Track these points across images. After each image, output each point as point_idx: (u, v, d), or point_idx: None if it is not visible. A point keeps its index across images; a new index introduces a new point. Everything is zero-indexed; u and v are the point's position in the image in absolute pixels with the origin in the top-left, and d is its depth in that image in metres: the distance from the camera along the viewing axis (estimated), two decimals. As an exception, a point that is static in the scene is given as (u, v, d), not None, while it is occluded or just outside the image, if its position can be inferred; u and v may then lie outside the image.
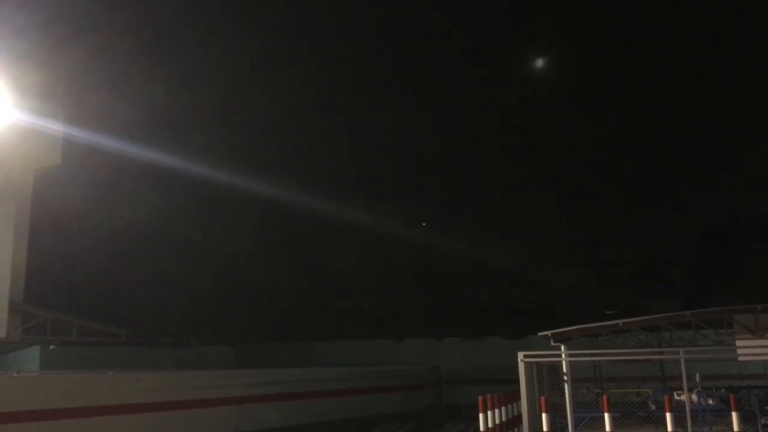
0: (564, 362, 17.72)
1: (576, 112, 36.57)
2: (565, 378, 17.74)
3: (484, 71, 34.43)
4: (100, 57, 20.29)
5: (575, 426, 17.45)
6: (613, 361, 18.72)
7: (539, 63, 35.79)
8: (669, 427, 14.93)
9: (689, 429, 15.51)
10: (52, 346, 22.90)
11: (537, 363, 19.44)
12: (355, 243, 35.76)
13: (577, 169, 39.35)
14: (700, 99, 35.25)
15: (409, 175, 37.45)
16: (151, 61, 22.88)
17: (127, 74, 21.26)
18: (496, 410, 17.98)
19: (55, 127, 18.49)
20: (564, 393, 17.59)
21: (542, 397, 16.87)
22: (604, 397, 15.90)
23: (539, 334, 18.58)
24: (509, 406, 20.02)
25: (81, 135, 19.42)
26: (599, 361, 19.42)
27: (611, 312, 33.26)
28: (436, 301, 36.51)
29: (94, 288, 23.60)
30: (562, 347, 18.26)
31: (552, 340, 18.44)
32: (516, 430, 20.17)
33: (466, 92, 35.11)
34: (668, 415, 15.04)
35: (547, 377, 19.13)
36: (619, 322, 18.32)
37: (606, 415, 15.38)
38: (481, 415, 16.90)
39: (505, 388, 29.90)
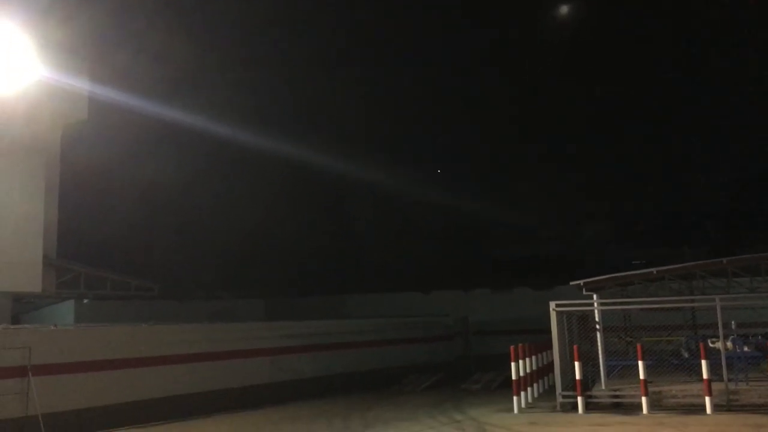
0: (596, 311, 17.61)
1: (607, 62, 35.72)
2: (597, 327, 17.65)
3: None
4: (123, 13, 20.04)
5: (607, 374, 17.44)
6: (644, 309, 18.43)
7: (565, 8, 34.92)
8: (704, 375, 14.81)
9: (725, 376, 15.35)
10: (86, 300, 23.32)
11: (567, 312, 19.29)
12: (380, 201, 35.64)
13: (605, 121, 38.65)
14: (732, 51, 34.28)
15: (432, 133, 36.99)
16: (173, 18, 22.59)
17: (150, 31, 21.01)
18: (527, 359, 18.04)
19: (81, 83, 18.42)
20: (594, 342, 17.58)
21: (575, 346, 16.78)
22: (638, 345, 15.77)
23: (571, 283, 18.41)
24: (540, 355, 20.12)
25: (107, 92, 19.35)
26: (629, 310, 19.15)
27: (638, 263, 32.99)
28: (463, 254, 36.42)
29: (125, 243, 23.84)
30: (594, 296, 18.15)
31: (584, 290, 18.30)
32: (546, 378, 20.29)
33: (493, 54, 34.39)
34: (703, 363, 14.90)
35: (577, 327, 19.05)
36: (653, 270, 18.11)
37: (640, 363, 15.28)
38: (512, 364, 16.93)
39: (534, 339, 29.84)
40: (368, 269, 35.34)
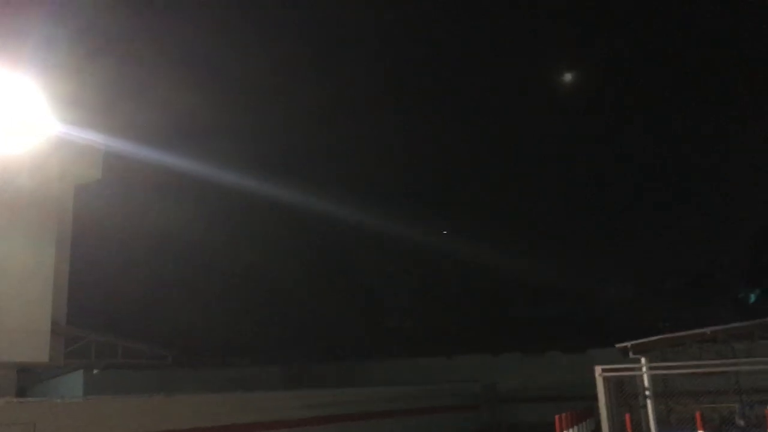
0: (645, 376, 16.32)
1: (623, 120, 35.19)
2: (647, 393, 16.36)
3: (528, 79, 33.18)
4: (134, 65, 19.45)
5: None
6: (683, 374, 17.08)
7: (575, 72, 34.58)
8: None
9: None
10: (96, 371, 21.98)
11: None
12: (396, 259, 34.50)
13: (620, 179, 37.94)
14: (747, 103, 33.73)
15: (450, 188, 36.15)
16: (181, 70, 22.02)
17: (157, 84, 20.37)
18: (571, 429, 16.68)
19: (96, 140, 17.63)
20: (634, 409, 16.28)
21: (626, 416, 15.41)
22: (698, 413, 14.40)
23: (617, 345, 17.23)
24: (582, 424, 18.71)
25: (120, 147, 18.53)
26: (668, 375, 17.83)
27: (665, 324, 31.82)
28: (486, 315, 35.02)
29: (136, 308, 22.67)
30: (642, 360, 16.90)
31: (631, 352, 17.09)
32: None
33: (510, 101, 33.89)
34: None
35: (614, 393, 17.77)
36: (707, 330, 16.85)
37: (701, 434, 13.88)
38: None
39: (569, 406, 28.40)
40: (386, 334, 33.98)
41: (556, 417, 15.67)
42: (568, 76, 34.72)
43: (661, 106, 35.26)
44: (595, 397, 24.21)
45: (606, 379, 19.59)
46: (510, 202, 36.62)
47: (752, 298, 38.72)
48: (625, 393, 17.17)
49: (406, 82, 31.04)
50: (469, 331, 33.14)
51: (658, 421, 17.13)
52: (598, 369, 15.70)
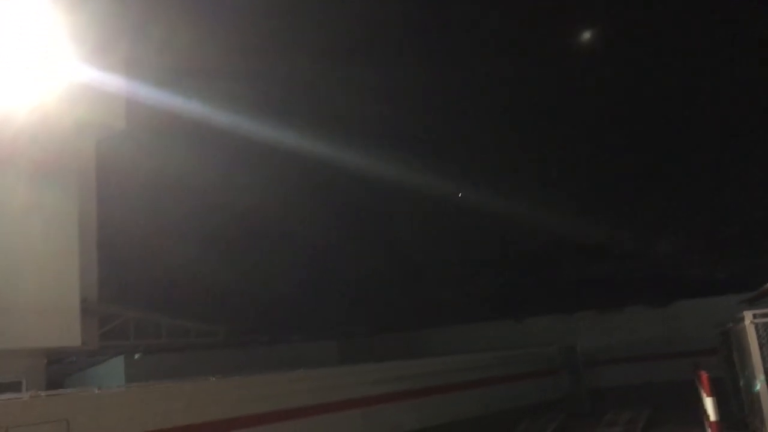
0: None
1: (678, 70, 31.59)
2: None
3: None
4: (159, 4, 16.60)
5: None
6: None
7: None
8: None
9: None
10: (137, 355, 19.56)
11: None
12: (459, 217, 31.70)
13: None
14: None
15: (517, 147, 32.93)
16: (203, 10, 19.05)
17: (186, 24, 17.49)
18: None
19: (117, 83, 14.94)
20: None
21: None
22: None
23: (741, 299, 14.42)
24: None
25: (146, 94, 15.81)
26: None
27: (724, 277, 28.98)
28: (554, 275, 32.15)
29: (177, 279, 20.06)
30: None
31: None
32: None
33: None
34: None
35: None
36: None
37: None
38: (708, 400, 12.59)
39: (659, 366, 25.25)
40: (445, 300, 31.28)
41: (703, 375, 12.68)
42: None
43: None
44: (696, 353, 21.61)
45: (725, 333, 17.29)
46: (573, 157, 33.58)
47: None
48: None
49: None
50: (535, 291, 30.37)
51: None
52: (748, 314, 12.66)
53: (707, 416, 12.43)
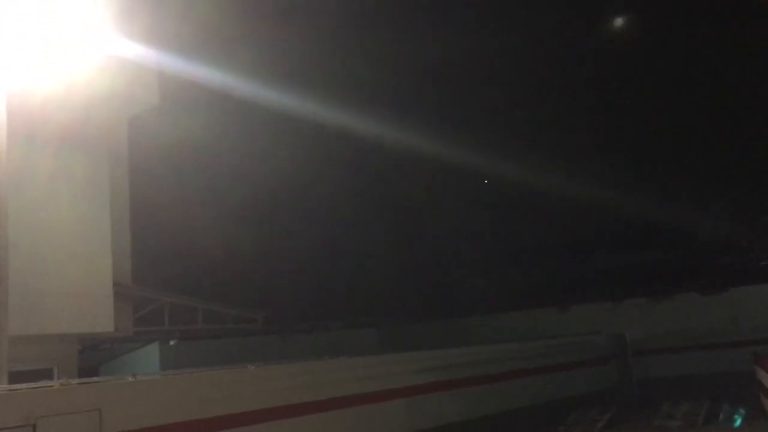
0: None
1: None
2: None
3: None
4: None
5: None
6: None
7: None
8: None
9: None
10: (172, 342, 19.01)
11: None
12: (499, 200, 30.78)
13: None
14: None
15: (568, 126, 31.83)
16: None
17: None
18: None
19: (150, 57, 14.23)
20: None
21: None
22: None
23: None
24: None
25: (180, 68, 15.07)
26: None
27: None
28: (600, 261, 31.03)
29: (215, 263, 19.42)
30: None
31: None
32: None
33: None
34: None
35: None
36: None
37: None
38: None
39: (712, 356, 24.46)
40: (487, 287, 30.44)
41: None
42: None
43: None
44: (756, 343, 20.44)
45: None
46: (626, 139, 32.43)
47: None
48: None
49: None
50: (584, 278, 29.31)
51: None
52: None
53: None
